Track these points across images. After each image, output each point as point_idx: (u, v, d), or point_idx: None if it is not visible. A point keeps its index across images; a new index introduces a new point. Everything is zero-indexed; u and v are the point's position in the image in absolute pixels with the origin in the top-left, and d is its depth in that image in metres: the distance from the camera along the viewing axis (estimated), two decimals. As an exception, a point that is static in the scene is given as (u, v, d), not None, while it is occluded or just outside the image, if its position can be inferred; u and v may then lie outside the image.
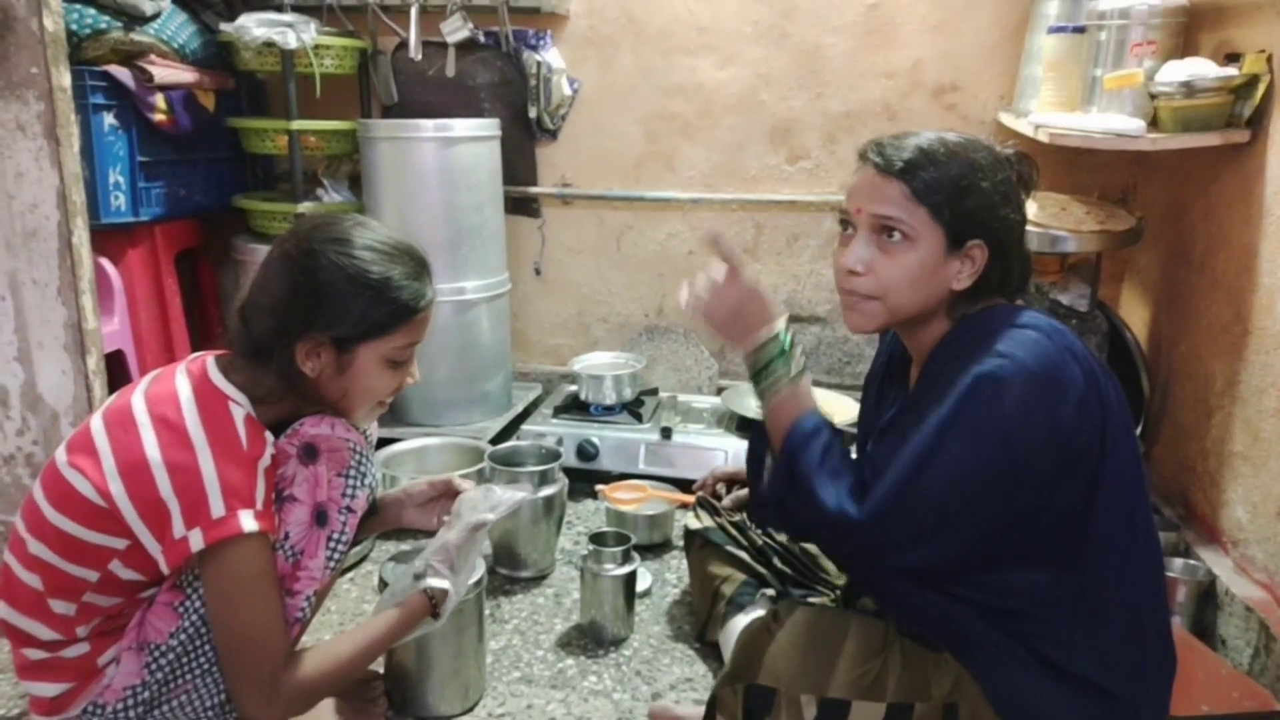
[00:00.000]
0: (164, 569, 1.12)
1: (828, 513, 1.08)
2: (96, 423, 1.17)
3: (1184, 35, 1.85)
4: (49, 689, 1.20)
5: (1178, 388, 2.00)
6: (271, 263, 1.21)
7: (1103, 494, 1.06)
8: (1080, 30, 1.96)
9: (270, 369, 1.20)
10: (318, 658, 1.18)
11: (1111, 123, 1.77)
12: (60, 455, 1.17)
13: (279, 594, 1.16)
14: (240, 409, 1.17)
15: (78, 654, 1.19)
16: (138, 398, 1.16)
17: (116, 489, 1.11)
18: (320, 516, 1.20)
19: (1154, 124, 1.76)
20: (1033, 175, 1.19)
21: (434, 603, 1.28)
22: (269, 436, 1.19)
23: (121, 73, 2.18)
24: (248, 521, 1.10)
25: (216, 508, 1.09)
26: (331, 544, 1.20)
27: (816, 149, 2.58)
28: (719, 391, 2.63)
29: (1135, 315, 2.30)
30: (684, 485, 2.11)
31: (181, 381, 1.18)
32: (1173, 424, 2.02)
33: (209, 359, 1.24)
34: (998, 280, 1.14)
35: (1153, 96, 1.74)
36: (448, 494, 1.42)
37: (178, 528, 1.09)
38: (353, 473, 1.21)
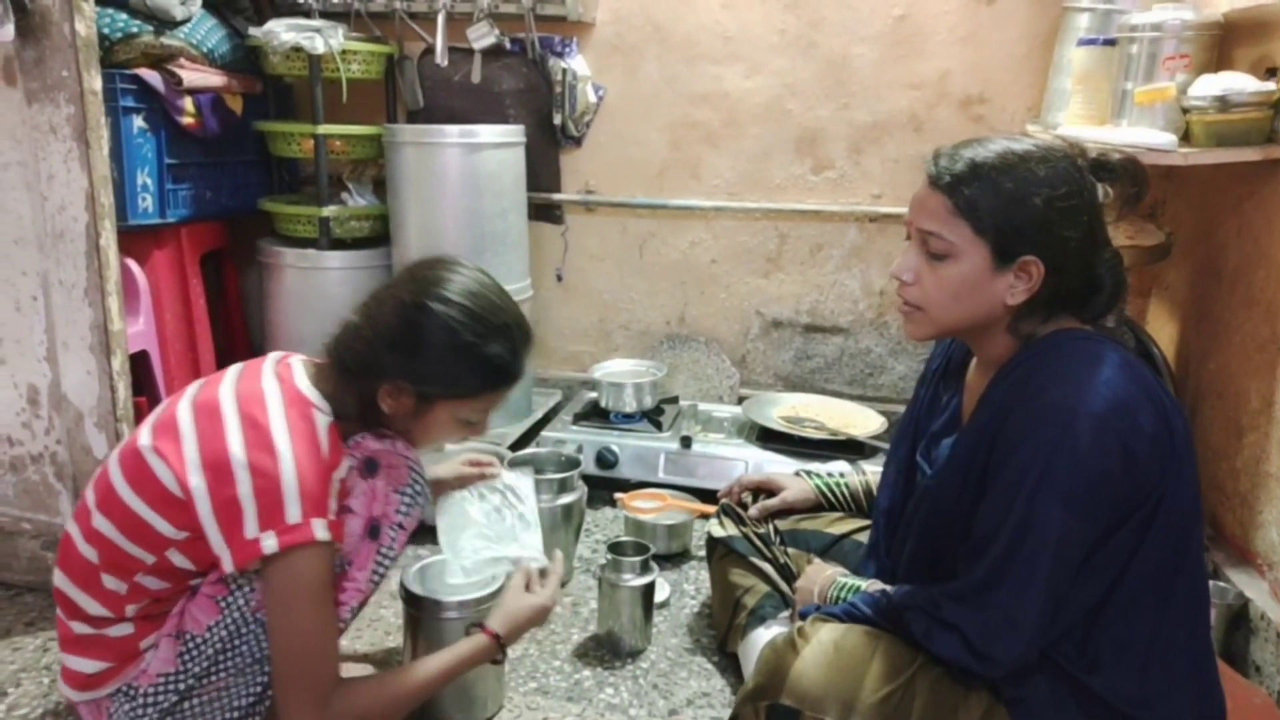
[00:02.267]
0: (228, 567, 1.11)
1: (974, 667, 1.08)
2: (184, 412, 1.16)
3: (1218, 49, 1.82)
4: (87, 665, 1.21)
5: (1207, 406, 1.97)
6: (386, 299, 1.23)
7: (1156, 528, 1.04)
8: (1111, 43, 1.93)
9: (353, 386, 1.22)
10: (374, 688, 1.19)
11: (1141, 136, 1.74)
12: (144, 437, 1.16)
13: (335, 606, 1.17)
14: (324, 417, 1.19)
15: (121, 634, 1.20)
16: (227, 392, 1.17)
17: (196, 482, 1.10)
18: (373, 530, 1.22)
19: (1185, 138, 1.73)
20: (1130, 187, 1.15)
21: (500, 641, 1.29)
22: (345, 447, 1.21)
23: (151, 76, 2.20)
24: (320, 530, 1.10)
25: (293, 513, 1.09)
26: (379, 558, 1.23)
27: (842, 159, 2.56)
28: (740, 401, 2.62)
29: (1163, 331, 2.26)
30: (704, 495, 2.10)
31: (270, 383, 1.18)
32: (1200, 442, 1.99)
33: (295, 362, 1.25)
34: (1050, 297, 1.11)
35: (1185, 111, 1.72)
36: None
37: (250, 528, 1.09)
38: (409, 491, 1.25)
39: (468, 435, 1.29)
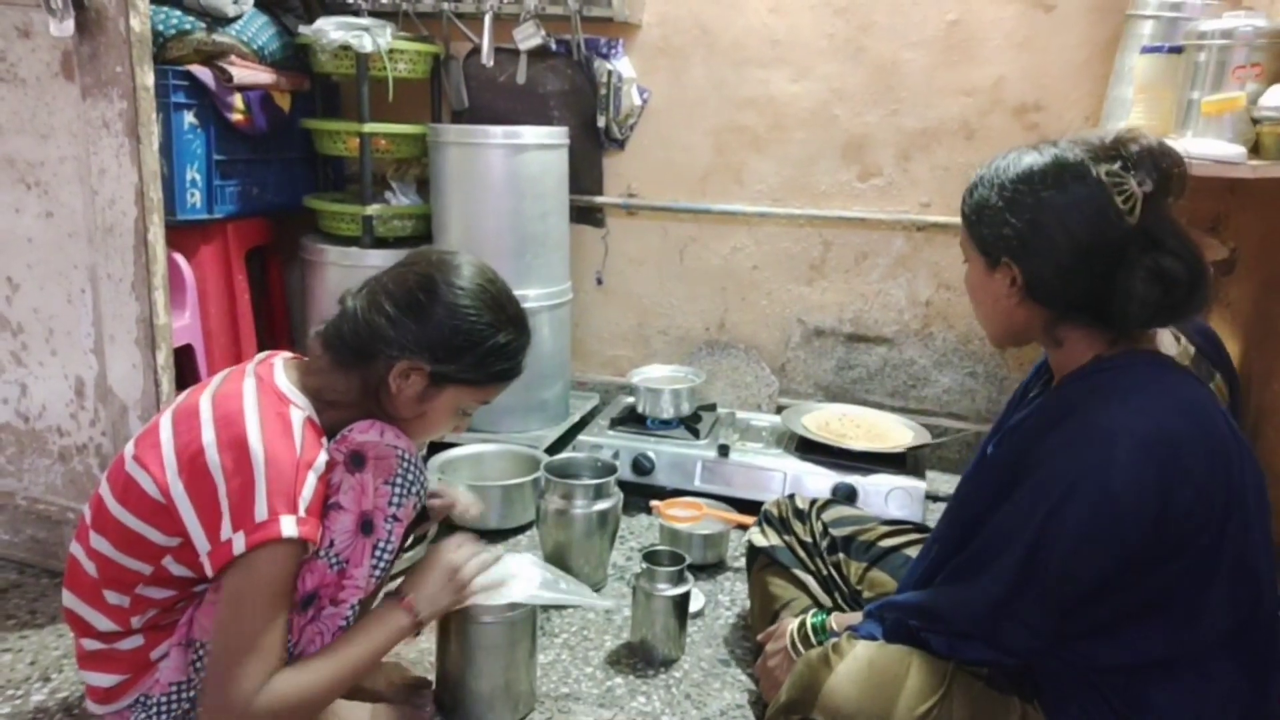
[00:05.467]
0: (208, 571, 1.10)
1: (1004, 662, 1.10)
2: (165, 420, 1.18)
3: (1292, 58, 1.75)
4: (104, 679, 1.21)
5: (1269, 428, 1.89)
6: (410, 275, 1.23)
7: (1218, 577, 1.01)
8: (1177, 51, 1.87)
9: (355, 372, 1.21)
10: (294, 678, 1.13)
11: (1209, 148, 1.68)
12: (129, 449, 1.18)
13: (289, 608, 1.13)
14: (300, 412, 1.17)
15: (132, 646, 1.20)
16: (205, 397, 1.17)
17: (176, 489, 1.11)
18: (366, 525, 1.18)
19: (1255, 150, 1.67)
20: (1150, 177, 1.02)
21: (417, 613, 1.25)
22: (324, 442, 1.18)
23: (203, 72, 2.22)
24: (288, 526, 1.08)
25: (260, 511, 1.08)
26: (377, 553, 1.19)
27: (889, 166, 2.52)
28: (779, 410, 2.58)
29: (1223, 350, 2.19)
30: (741, 505, 2.07)
31: (248, 383, 1.18)
32: (1262, 466, 1.91)
33: (278, 360, 1.25)
34: (1054, 301, 1.08)
35: (1255, 121, 1.66)
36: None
37: (225, 530, 1.08)
38: (399, 480, 1.20)
39: (456, 429, 1.32)
